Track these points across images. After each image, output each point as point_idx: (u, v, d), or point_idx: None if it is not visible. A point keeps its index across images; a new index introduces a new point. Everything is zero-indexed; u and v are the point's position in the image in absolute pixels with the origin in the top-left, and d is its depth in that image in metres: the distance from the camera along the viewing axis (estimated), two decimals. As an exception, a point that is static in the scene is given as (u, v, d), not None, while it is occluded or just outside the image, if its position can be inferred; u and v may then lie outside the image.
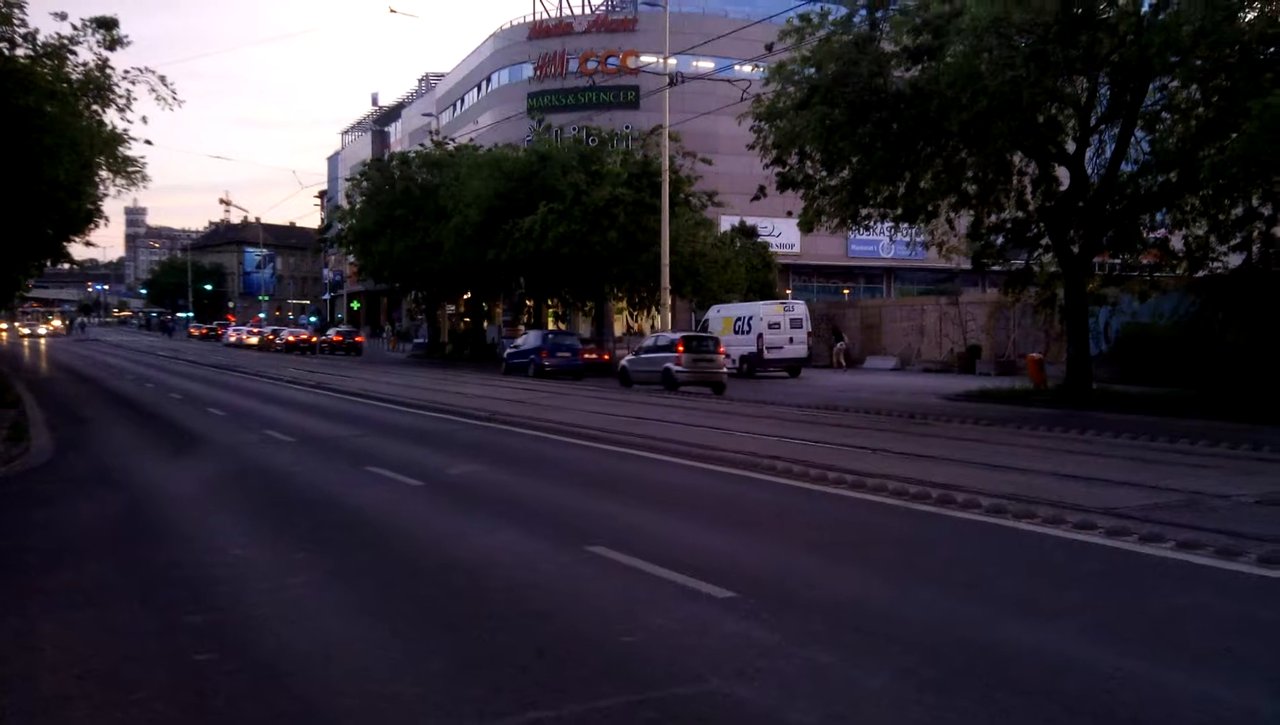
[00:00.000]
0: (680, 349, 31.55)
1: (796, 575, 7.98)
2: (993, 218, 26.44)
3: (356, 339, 65.09)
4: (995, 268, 28.12)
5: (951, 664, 5.79)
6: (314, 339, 66.61)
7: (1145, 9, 20.33)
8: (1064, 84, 22.76)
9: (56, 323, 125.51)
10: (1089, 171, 24.44)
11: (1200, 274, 25.72)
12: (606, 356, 41.71)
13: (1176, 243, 25.50)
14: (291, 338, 68.45)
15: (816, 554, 8.76)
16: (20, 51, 22.45)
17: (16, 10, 21.87)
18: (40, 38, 22.71)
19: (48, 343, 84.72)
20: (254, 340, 74.66)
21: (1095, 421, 18.92)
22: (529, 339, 41.08)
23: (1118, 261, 26.95)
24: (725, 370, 32.41)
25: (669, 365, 31.43)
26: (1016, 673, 5.70)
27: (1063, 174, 25.08)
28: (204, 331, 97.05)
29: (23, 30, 22.25)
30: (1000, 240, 26.54)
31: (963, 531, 9.50)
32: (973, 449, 15.49)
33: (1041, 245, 25.88)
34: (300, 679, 5.81)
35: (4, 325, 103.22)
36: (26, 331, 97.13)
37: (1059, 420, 19.47)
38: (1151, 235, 25.52)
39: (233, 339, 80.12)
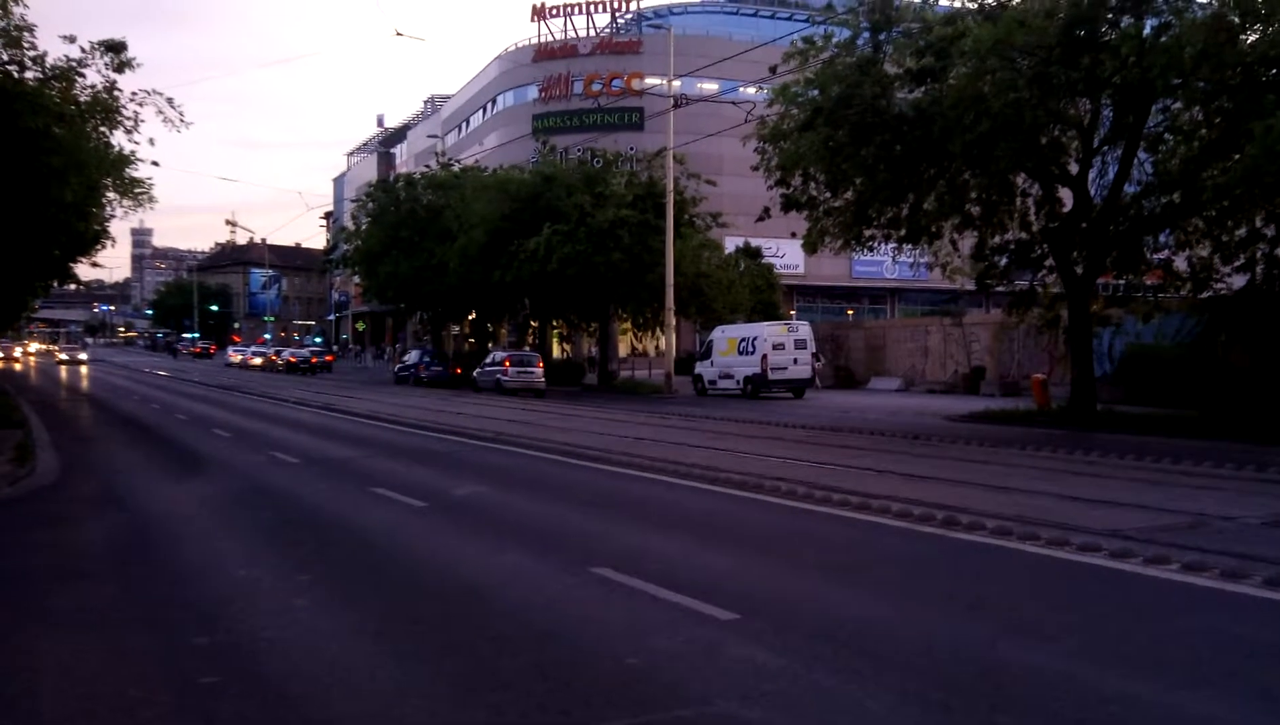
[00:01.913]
0: (507, 363, 41.38)
1: (801, 597, 7.99)
2: (996, 239, 26.43)
3: (328, 358, 71.47)
4: (999, 289, 28.07)
5: (955, 686, 5.79)
6: (292, 360, 69.20)
7: (1147, 31, 20.38)
8: (1067, 106, 22.81)
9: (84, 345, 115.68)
10: (1092, 193, 24.47)
11: (1204, 295, 25.69)
12: (460, 370, 49.80)
13: (1180, 264, 25.48)
14: (293, 358, 69.71)
15: (821, 576, 8.77)
16: (29, 74, 22.62)
17: (26, 34, 22.06)
18: (49, 60, 22.89)
19: (41, 364, 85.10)
20: (258, 361, 75.87)
21: (1100, 442, 18.89)
22: (412, 356, 54.96)
23: (1121, 282, 26.90)
24: (542, 381, 40.82)
25: (499, 376, 40.59)
26: (1020, 694, 5.71)
27: (1066, 195, 25.11)
28: (197, 350, 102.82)
29: (32, 53, 22.44)
30: (1004, 261, 26.52)
31: (967, 553, 9.50)
32: (977, 470, 15.48)
33: (1045, 266, 25.87)
34: (305, 702, 5.82)
35: (40, 347, 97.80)
36: (65, 357, 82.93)
37: (1063, 441, 19.46)
38: (1155, 256, 25.50)
39: (235, 359, 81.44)
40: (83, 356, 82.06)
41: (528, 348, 55.16)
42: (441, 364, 50.54)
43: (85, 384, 50.96)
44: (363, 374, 66.62)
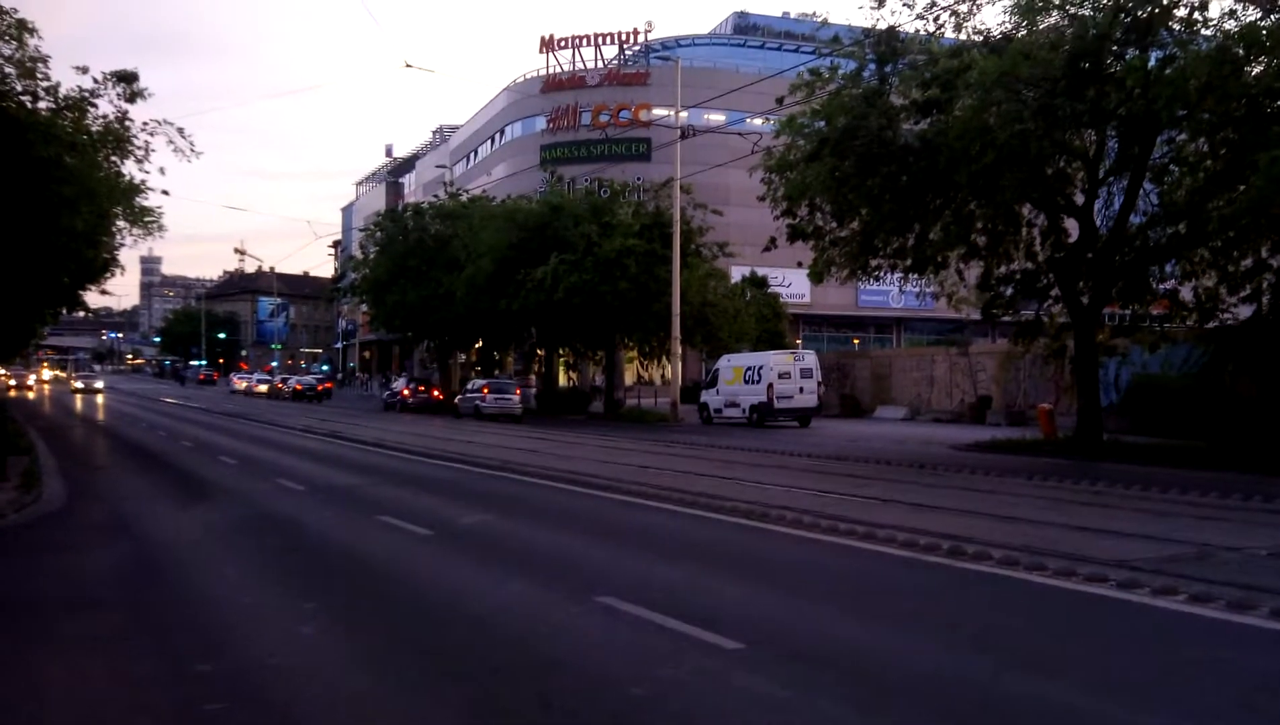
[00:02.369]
0: (485, 391, 44.38)
1: (806, 626, 7.98)
2: (1002, 269, 26.48)
3: (327, 386, 72.54)
4: (1005, 318, 28.08)
5: (960, 717, 5.78)
6: (299, 387, 69.77)
7: (1152, 64, 20.47)
8: (1072, 137, 22.90)
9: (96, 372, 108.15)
10: (1098, 223, 24.50)
11: (1210, 325, 25.67)
12: (442, 395, 53.67)
13: (1186, 294, 25.47)
14: (299, 386, 70.37)
15: (826, 605, 8.75)
16: (42, 104, 22.86)
17: (40, 65, 22.29)
18: (62, 90, 23.12)
19: (55, 391, 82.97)
20: (262, 388, 77.14)
21: (1106, 473, 18.84)
22: (398, 384, 58.51)
23: (1127, 312, 26.90)
24: (519, 407, 43.86)
25: (477, 402, 43.53)
26: (1026, 726, 5.68)
27: (1071, 226, 25.15)
28: (201, 377, 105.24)
29: (45, 84, 22.67)
30: (1010, 291, 26.55)
31: (973, 583, 9.48)
32: (983, 500, 15.44)
33: (1051, 296, 25.89)
34: (309, 729, 5.82)
35: (53, 374, 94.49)
36: (80, 385, 79.22)
37: (1070, 471, 19.41)
38: (1161, 286, 25.49)
39: (241, 387, 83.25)
40: (99, 384, 78.29)
41: (533, 375, 55.56)
42: (426, 392, 54.63)
43: (94, 411, 51.04)
44: (369, 402, 66.80)
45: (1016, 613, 8.50)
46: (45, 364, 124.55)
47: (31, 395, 74.50)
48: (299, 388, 69.02)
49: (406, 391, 51.11)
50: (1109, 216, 24.53)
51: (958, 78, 21.48)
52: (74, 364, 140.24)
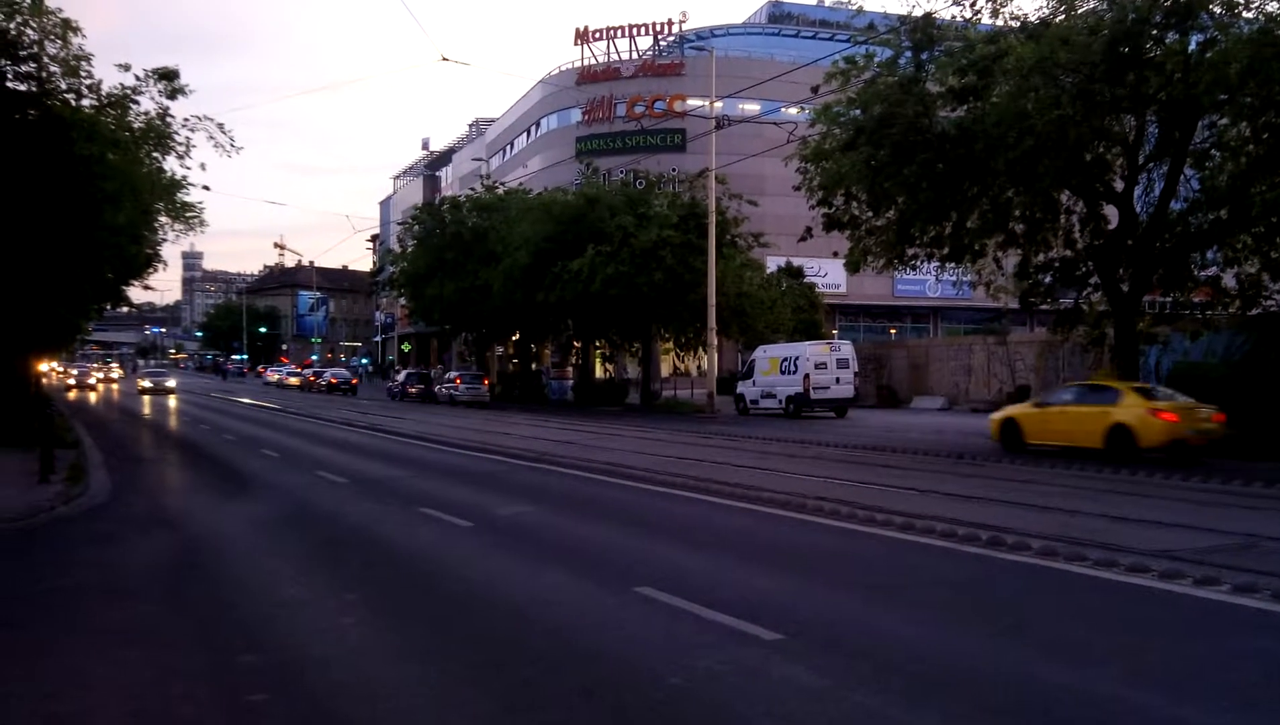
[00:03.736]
0: (458, 381, 53.25)
1: (845, 617, 7.97)
2: (1040, 257, 26.22)
3: (352, 382, 72.34)
4: (1043, 307, 27.83)
5: (1001, 708, 5.76)
6: (334, 381, 71.40)
7: (1192, 47, 20.21)
8: (1111, 123, 22.63)
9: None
10: (1138, 210, 24.22)
11: (1253, 312, 25.33)
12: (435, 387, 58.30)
13: (1228, 280, 25.15)
14: (334, 379, 71.80)
15: (864, 596, 8.74)
16: (85, 102, 23.17)
17: (84, 63, 22.59)
18: (104, 88, 23.45)
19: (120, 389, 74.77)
20: (294, 381, 79.71)
21: (1146, 462, 18.66)
22: (401, 376, 63.88)
23: (1168, 300, 26.57)
24: (486, 394, 52.60)
25: (451, 391, 52.66)
26: (1067, 717, 5.66)
27: (1111, 212, 24.87)
28: (245, 370, 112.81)
29: (88, 82, 22.99)
30: (1048, 279, 26.30)
31: (1012, 574, 9.43)
32: (1022, 490, 15.35)
33: (1090, 284, 25.63)
34: (352, 720, 5.88)
35: (121, 372, 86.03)
36: (148, 383, 63.40)
37: (1109, 461, 19.23)
38: (1202, 273, 25.17)
39: (273, 378, 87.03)
40: (170, 383, 64.37)
41: (570, 367, 55.85)
42: (424, 383, 59.22)
43: (139, 404, 51.67)
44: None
45: (1056, 603, 8.44)
46: (113, 362, 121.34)
47: (95, 397, 62.47)
48: (334, 381, 70.73)
49: (459, 380, 53.94)
50: (1149, 203, 24.24)
51: (995, 64, 21.29)
52: (123, 359, 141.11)
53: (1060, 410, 21.84)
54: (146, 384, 63.36)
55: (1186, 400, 20.80)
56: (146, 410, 46.31)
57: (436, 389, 55.48)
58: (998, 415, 23.86)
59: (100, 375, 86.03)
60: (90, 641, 7.61)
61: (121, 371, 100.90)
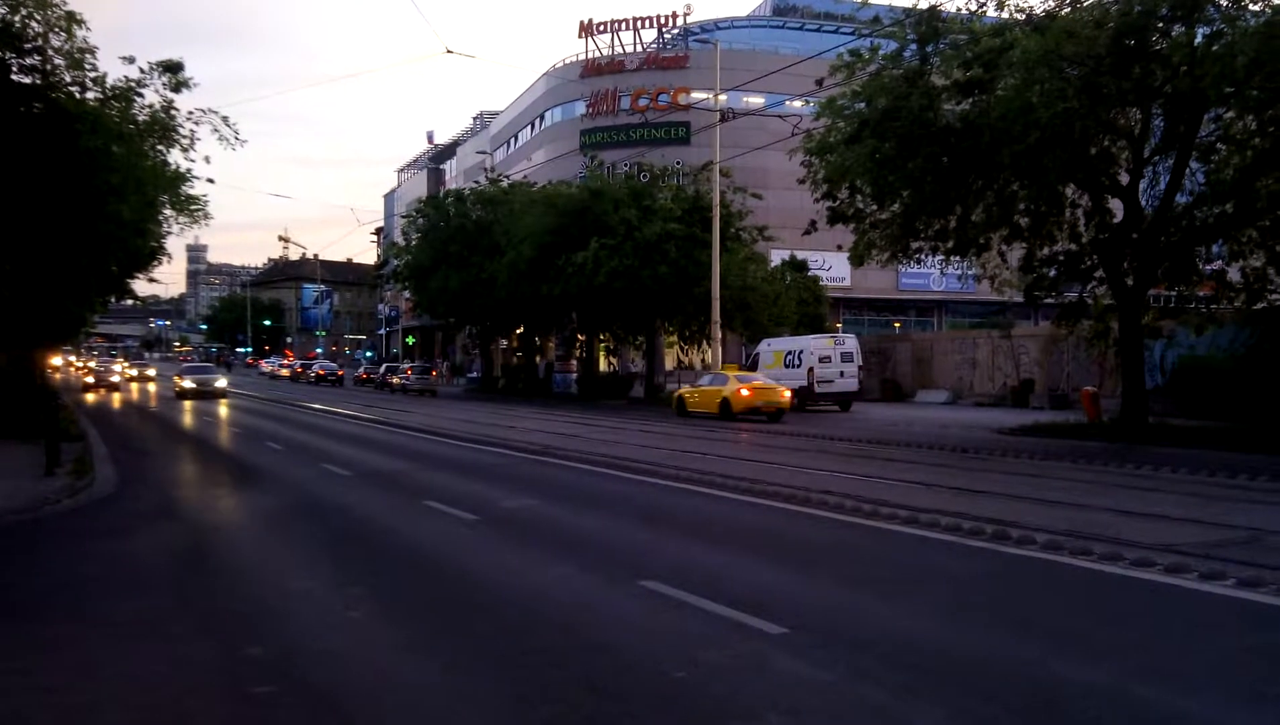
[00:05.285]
0: (409, 372, 60.99)
1: (850, 611, 7.98)
2: (1045, 250, 26.19)
3: (338, 373, 76.95)
4: (1048, 301, 27.80)
5: (1006, 703, 5.76)
6: (321, 372, 77.31)
7: (1199, 40, 20.15)
8: (1117, 116, 22.60)
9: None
10: (1143, 203, 24.18)
11: (1258, 306, 25.29)
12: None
13: (1233, 274, 25.09)
14: (321, 371, 77.48)
15: (869, 590, 8.74)
16: (90, 95, 23.20)
17: (88, 56, 22.60)
18: (109, 80, 23.47)
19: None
20: (285, 372, 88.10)
21: (1151, 456, 18.64)
22: (382, 368, 71.49)
23: (1173, 294, 26.54)
24: (435, 385, 59.62)
25: (404, 382, 58.79)
26: (1072, 712, 5.66)
27: (1116, 206, 24.83)
28: (250, 362, 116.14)
29: (93, 75, 23.02)
30: (1053, 273, 26.26)
31: (1018, 568, 9.43)
32: (1027, 484, 15.34)
33: (1095, 278, 25.58)
34: (358, 713, 5.90)
35: (140, 369, 76.26)
36: (190, 385, 48.56)
37: (1114, 455, 19.22)
38: (1207, 267, 25.13)
39: (267, 369, 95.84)
40: (220, 383, 50.42)
41: (574, 360, 55.84)
42: (398, 373, 64.73)
43: (138, 397, 51.66)
44: (455, 388, 68.29)
45: (1061, 597, 8.44)
46: (119, 354, 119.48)
47: (118, 399, 51.68)
48: (321, 372, 76.92)
49: (410, 371, 61.06)
50: (1154, 196, 24.20)
51: (1000, 57, 21.25)
52: (128, 352, 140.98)
53: (703, 389, 33.92)
54: (188, 385, 48.93)
55: (766, 382, 33.11)
56: (155, 403, 46.29)
57: (392, 380, 61.88)
58: (678, 392, 36.23)
59: (132, 372, 75.95)
60: (98, 633, 7.63)
61: (155, 368, 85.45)
